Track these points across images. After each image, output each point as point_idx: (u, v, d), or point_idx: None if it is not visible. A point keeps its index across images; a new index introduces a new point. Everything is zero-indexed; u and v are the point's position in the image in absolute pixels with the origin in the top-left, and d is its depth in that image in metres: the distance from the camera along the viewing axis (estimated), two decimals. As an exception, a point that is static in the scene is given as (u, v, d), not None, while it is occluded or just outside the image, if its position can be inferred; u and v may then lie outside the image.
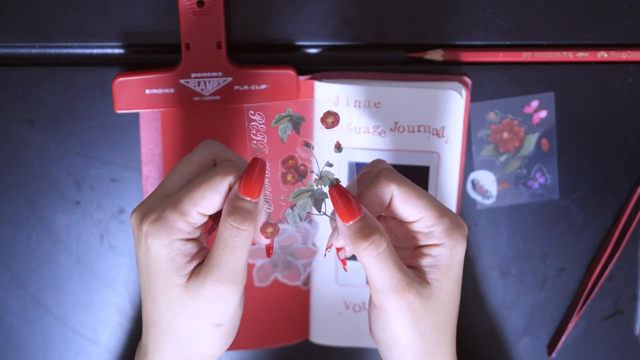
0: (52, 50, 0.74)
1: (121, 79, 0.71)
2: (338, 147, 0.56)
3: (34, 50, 0.74)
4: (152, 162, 0.74)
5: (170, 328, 0.58)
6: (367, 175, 0.60)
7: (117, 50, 0.74)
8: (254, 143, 0.55)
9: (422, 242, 0.58)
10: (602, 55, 0.74)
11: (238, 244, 0.56)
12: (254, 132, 0.55)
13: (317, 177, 0.56)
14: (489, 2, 0.74)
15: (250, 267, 0.77)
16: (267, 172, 0.56)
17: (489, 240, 0.78)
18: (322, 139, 0.56)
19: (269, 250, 0.59)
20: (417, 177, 0.75)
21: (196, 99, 0.72)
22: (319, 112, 0.56)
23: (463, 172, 0.76)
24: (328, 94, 0.73)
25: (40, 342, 0.77)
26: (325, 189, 0.56)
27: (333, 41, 0.74)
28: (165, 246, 0.56)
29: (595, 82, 0.75)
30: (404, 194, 0.57)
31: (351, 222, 0.56)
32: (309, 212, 0.57)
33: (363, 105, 0.73)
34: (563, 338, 0.78)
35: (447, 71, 0.74)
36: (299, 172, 0.56)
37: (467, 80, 0.74)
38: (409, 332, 0.58)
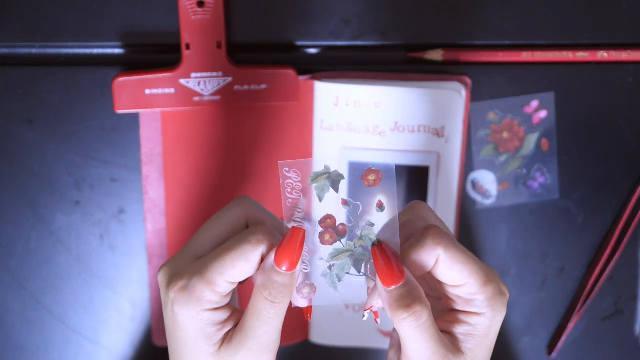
0: (52, 50, 0.74)
1: (121, 79, 0.71)
2: (380, 206, 0.53)
3: (34, 50, 0.74)
4: (152, 162, 0.74)
5: None
6: (408, 225, 0.56)
7: (117, 50, 0.74)
8: (289, 202, 0.53)
9: (460, 308, 0.55)
10: (602, 55, 0.74)
11: (272, 316, 0.53)
12: (289, 190, 0.53)
13: (357, 237, 0.54)
14: (489, 2, 0.74)
15: None
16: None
17: (489, 240, 0.78)
18: (362, 196, 0.54)
19: (307, 312, 0.56)
20: (417, 177, 0.75)
21: (196, 99, 0.72)
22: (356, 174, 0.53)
23: (463, 172, 0.76)
24: (328, 94, 0.73)
25: (40, 342, 0.77)
26: (364, 250, 0.54)
27: (333, 41, 0.74)
28: (193, 317, 0.53)
29: (595, 82, 0.75)
30: (451, 259, 0.53)
31: (393, 287, 0.53)
32: (347, 273, 0.54)
33: (363, 105, 0.73)
34: (563, 338, 0.78)
35: (447, 71, 0.74)
36: (338, 232, 0.54)
37: (467, 80, 0.74)
38: None
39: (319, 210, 0.54)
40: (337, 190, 0.53)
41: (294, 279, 0.53)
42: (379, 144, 0.74)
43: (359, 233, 0.54)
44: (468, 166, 0.76)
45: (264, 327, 0.53)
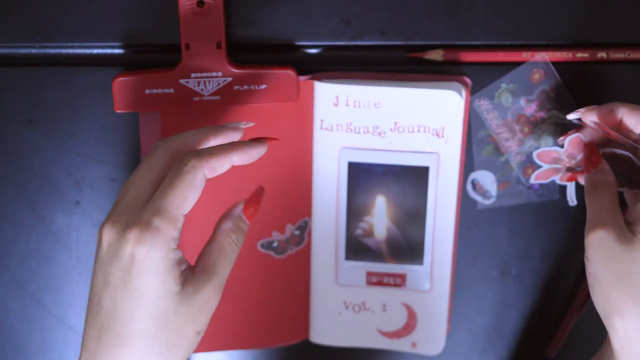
0: (52, 50, 0.74)
1: (121, 79, 0.71)
2: None
3: (34, 50, 0.74)
4: (152, 162, 0.74)
5: (153, 342, 0.56)
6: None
7: (117, 50, 0.74)
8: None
9: None
10: (602, 55, 0.74)
11: (234, 258, 0.60)
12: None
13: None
14: (489, 2, 0.74)
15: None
16: None
17: (489, 241, 0.78)
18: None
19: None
20: (417, 177, 0.75)
21: (196, 99, 0.72)
22: None
23: (463, 172, 0.76)
24: (328, 94, 0.73)
25: (40, 342, 0.78)
26: None
27: (333, 41, 0.74)
28: (163, 258, 0.55)
29: (595, 82, 0.75)
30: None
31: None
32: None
33: (363, 105, 0.73)
34: (563, 338, 0.78)
35: (447, 71, 0.74)
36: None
37: (467, 80, 0.74)
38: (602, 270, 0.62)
39: None
40: None
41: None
42: (378, 144, 0.74)
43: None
44: (468, 166, 0.76)
45: (227, 266, 0.59)
